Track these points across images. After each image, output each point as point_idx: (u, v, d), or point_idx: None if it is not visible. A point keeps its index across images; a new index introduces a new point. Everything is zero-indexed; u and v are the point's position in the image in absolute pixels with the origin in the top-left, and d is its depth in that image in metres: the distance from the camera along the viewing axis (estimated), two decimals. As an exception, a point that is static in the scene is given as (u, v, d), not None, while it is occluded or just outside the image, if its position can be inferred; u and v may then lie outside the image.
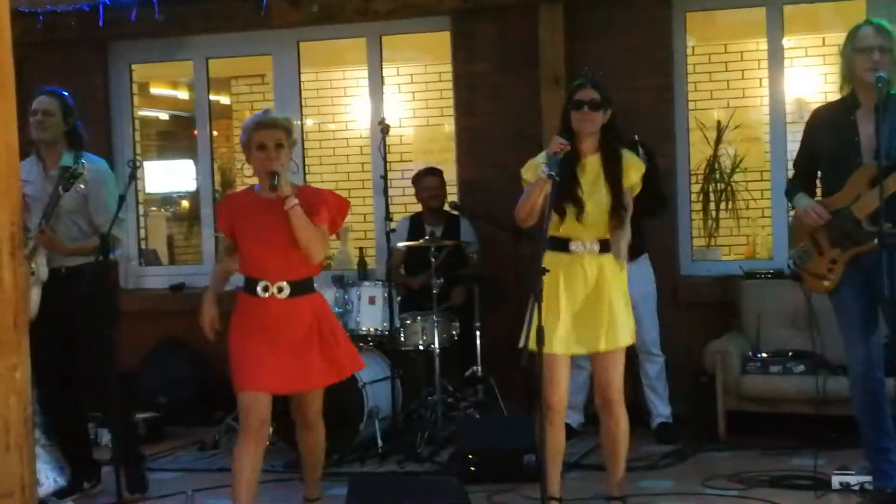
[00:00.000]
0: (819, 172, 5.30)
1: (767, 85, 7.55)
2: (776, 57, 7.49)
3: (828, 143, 5.16)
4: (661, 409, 6.87)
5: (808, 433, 6.34)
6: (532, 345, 4.48)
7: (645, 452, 6.37)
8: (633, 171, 4.97)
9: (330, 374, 5.06)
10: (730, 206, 9.12)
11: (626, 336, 4.95)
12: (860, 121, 5.06)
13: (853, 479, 5.47)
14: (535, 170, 4.85)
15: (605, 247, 4.94)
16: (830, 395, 6.18)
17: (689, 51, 7.93)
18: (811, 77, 9.13)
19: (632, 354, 6.73)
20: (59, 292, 5.69)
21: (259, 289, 4.90)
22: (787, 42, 7.93)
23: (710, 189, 9.00)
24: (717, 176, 9.05)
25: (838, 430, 6.10)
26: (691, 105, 8.14)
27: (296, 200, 4.84)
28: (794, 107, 8.33)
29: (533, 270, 4.48)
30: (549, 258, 4.64)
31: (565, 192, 4.80)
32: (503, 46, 7.64)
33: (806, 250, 5.25)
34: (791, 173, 5.65)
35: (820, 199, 5.25)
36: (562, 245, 4.89)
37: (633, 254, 6.58)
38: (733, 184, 9.11)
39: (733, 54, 9.38)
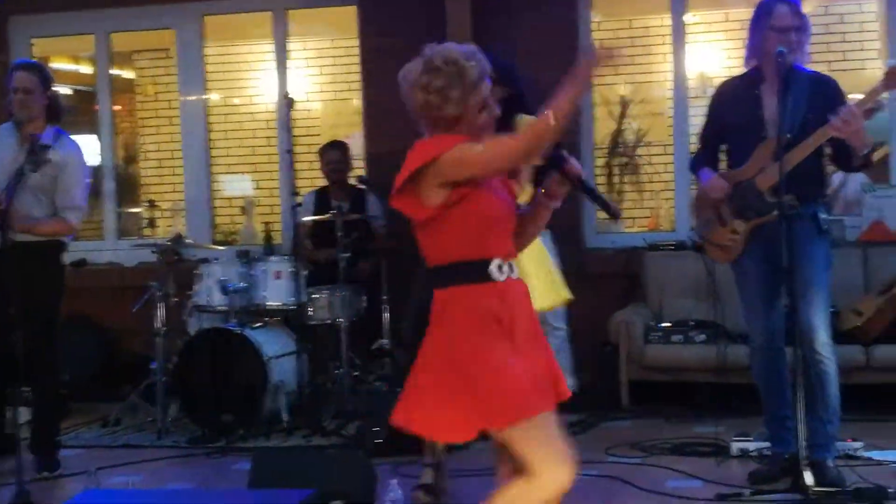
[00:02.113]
0: (724, 146, 5.38)
1: (671, 60, 7.64)
2: (679, 32, 7.59)
3: (733, 116, 5.22)
4: (566, 380, 6.91)
5: (709, 401, 6.45)
6: None
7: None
8: None
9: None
10: (633, 179, 9.21)
11: (565, 291, 5.06)
12: (764, 95, 5.13)
13: (752, 446, 5.60)
14: None
15: None
16: (731, 364, 6.29)
17: (594, 26, 7.97)
18: (714, 52, 9.23)
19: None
20: (8, 266, 5.57)
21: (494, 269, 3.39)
22: (690, 17, 8.03)
23: (614, 163, 9.08)
24: (621, 150, 9.13)
25: (739, 397, 6.22)
26: (596, 80, 8.19)
27: None
28: (698, 82, 8.43)
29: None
30: None
31: None
32: (411, 20, 7.61)
33: (709, 221, 5.33)
34: (695, 147, 5.71)
35: (725, 171, 5.33)
36: None
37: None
38: (637, 158, 9.20)
39: (638, 30, 9.43)
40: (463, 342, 3.29)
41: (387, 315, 7.15)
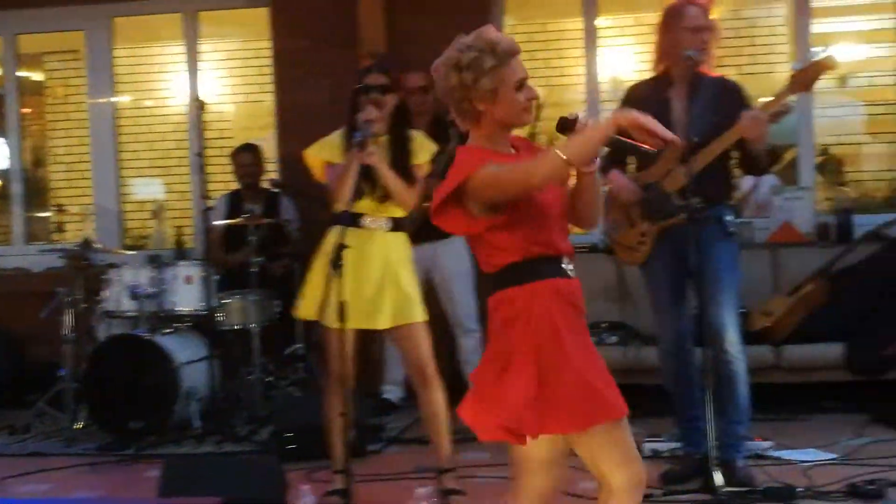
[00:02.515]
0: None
1: (584, 63, 7.69)
2: (591, 36, 7.65)
3: (641, 119, 5.26)
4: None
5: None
6: (327, 319, 4.63)
7: (463, 426, 6.41)
8: (422, 151, 5.06)
9: None
10: (548, 182, 9.25)
11: (419, 312, 5.00)
12: (673, 98, 5.18)
13: (663, 446, 5.65)
14: (333, 148, 4.96)
15: (396, 225, 5.03)
16: (642, 365, 6.34)
17: (509, 30, 7.99)
18: (626, 56, 9.30)
19: (448, 329, 6.84)
20: None
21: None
22: (602, 21, 8.09)
23: (528, 166, 9.13)
24: (535, 153, 9.18)
25: (650, 398, 6.25)
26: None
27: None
28: (611, 85, 8.50)
29: (335, 246, 4.53)
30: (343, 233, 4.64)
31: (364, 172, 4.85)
32: (324, 22, 7.59)
33: (618, 223, 5.36)
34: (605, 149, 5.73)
35: (634, 174, 5.36)
36: (356, 221, 4.93)
37: (444, 232, 6.67)
38: (551, 160, 9.25)
39: (552, 33, 9.48)
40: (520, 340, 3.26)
41: (299, 320, 7.07)
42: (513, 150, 3.39)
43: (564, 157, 3.13)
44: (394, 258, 5.00)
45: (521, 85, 3.30)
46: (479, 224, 3.28)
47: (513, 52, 3.30)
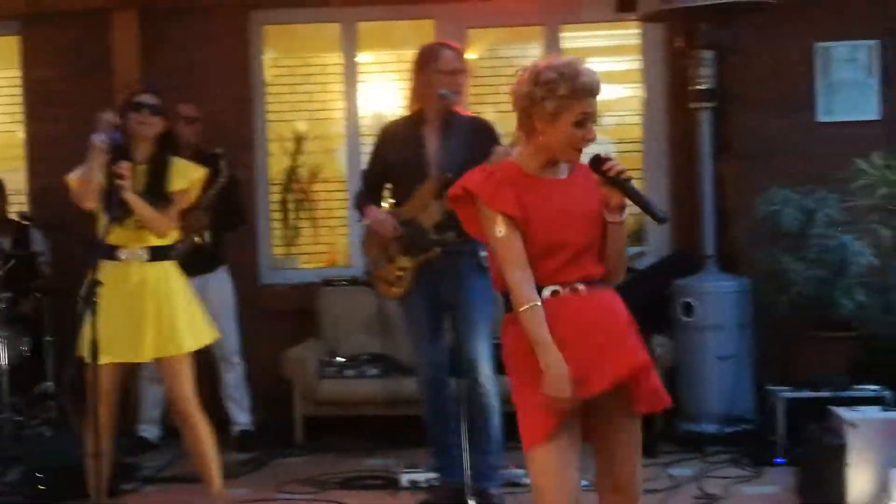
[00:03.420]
0: (388, 184, 5.48)
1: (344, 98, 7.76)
2: (351, 71, 7.71)
3: (397, 156, 5.34)
4: (241, 418, 6.88)
5: (382, 434, 6.54)
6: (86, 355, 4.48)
7: (223, 461, 6.35)
8: (180, 178, 4.99)
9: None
10: (309, 215, 9.25)
11: (182, 344, 4.92)
12: (427, 135, 5.28)
13: (421, 477, 5.72)
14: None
15: (158, 254, 4.94)
16: (402, 397, 6.40)
17: (271, 62, 7.98)
18: (388, 91, 9.42)
19: (211, 362, 6.76)
20: None
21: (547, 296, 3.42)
22: (364, 57, 8.17)
23: (290, 199, 9.10)
24: (296, 186, 9.16)
25: (411, 429, 6.32)
26: (274, 116, 8.22)
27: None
28: (374, 120, 8.57)
29: (88, 281, 4.40)
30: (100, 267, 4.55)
31: (117, 200, 4.75)
32: (76, 53, 7.41)
33: (377, 258, 5.42)
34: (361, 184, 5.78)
35: (390, 209, 5.43)
36: (111, 253, 4.86)
37: (212, 265, 6.63)
38: (311, 193, 9.25)
39: (314, 67, 9.51)
40: (512, 368, 3.47)
41: (52, 356, 6.86)
42: (562, 176, 3.47)
43: (521, 316, 3.32)
44: (155, 289, 4.90)
45: (582, 121, 3.35)
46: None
47: (590, 90, 3.35)
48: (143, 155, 4.97)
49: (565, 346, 3.31)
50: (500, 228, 3.36)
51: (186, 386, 4.93)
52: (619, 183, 3.35)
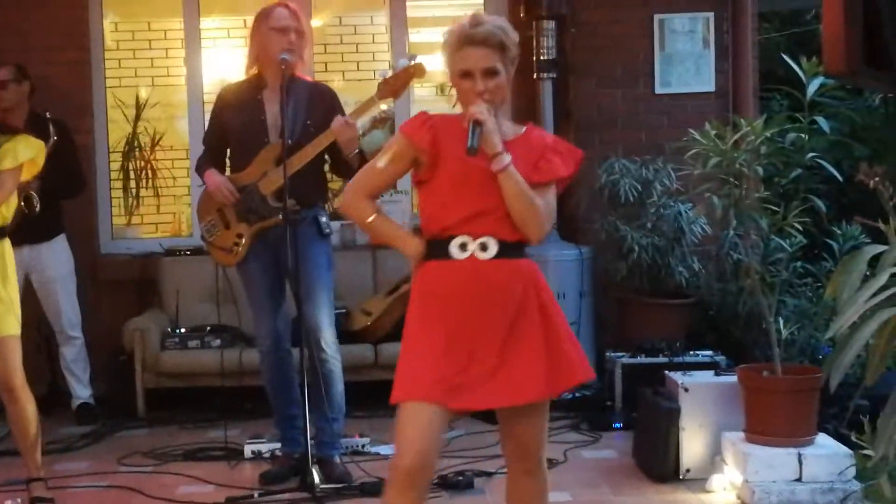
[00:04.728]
0: (228, 150, 5.41)
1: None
2: (193, 37, 7.58)
3: (236, 121, 5.26)
4: (80, 391, 6.73)
5: (226, 405, 6.48)
6: None
7: (63, 434, 6.26)
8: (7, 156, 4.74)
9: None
10: (151, 183, 9.09)
11: (7, 326, 4.72)
12: (266, 100, 5.21)
13: (265, 447, 5.69)
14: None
15: None
16: (246, 367, 6.33)
17: (112, 27, 7.78)
18: (234, 58, 9.30)
19: (49, 335, 6.61)
20: None
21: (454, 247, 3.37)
22: (209, 22, 8.04)
23: (131, 167, 8.93)
24: (137, 153, 9.00)
25: (254, 400, 6.29)
26: (115, 82, 8.05)
27: (509, 158, 3.33)
28: (217, 86, 8.45)
29: None
30: None
31: None
32: None
33: (213, 224, 5.35)
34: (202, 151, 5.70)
35: (229, 175, 5.35)
36: None
37: (50, 234, 6.46)
38: (154, 161, 9.09)
39: (157, 32, 9.34)
40: (406, 315, 3.41)
41: None
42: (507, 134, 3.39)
43: (368, 222, 3.47)
44: None
45: (467, 72, 3.33)
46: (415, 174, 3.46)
47: (469, 39, 3.31)
48: None
49: (450, 328, 3.30)
50: (385, 158, 3.42)
51: (11, 365, 4.71)
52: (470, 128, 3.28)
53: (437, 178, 3.37)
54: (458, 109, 3.39)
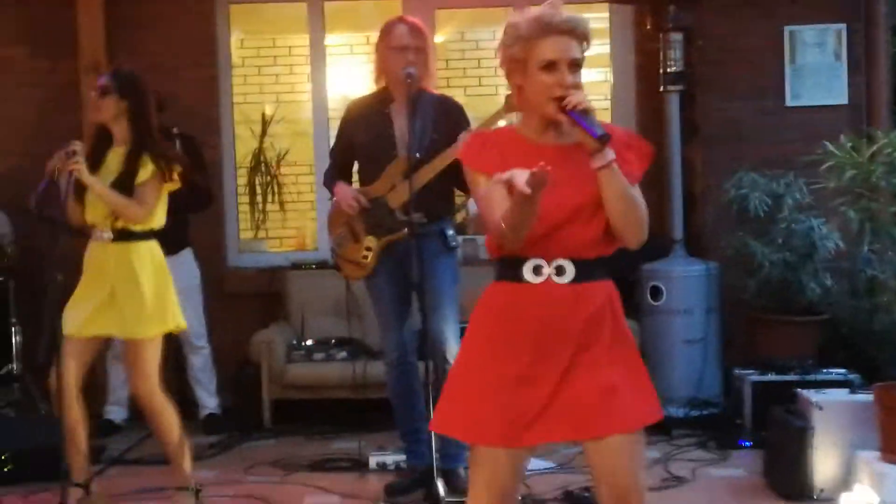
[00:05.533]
0: (356, 164, 5.45)
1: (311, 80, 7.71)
2: (318, 53, 7.66)
3: (363, 135, 5.29)
4: (208, 401, 6.84)
5: (350, 417, 6.52)
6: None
7: (191, 444, 6.32)
8: (146, 169, 4.90)
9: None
10: (277, 198, 9.22)
11: (145, 329, 4.86)
12: (394, 115, 5.22)
13: (389, 459, 5.71)
14: None
15: (120, 236, 4.90)
16: (370, 380, 6.36)
17: (237, 44, 7.90)
18: (357, 74, 9.39)
19: (177, 346, 6.72)
20: None
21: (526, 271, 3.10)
22: (331, 39, 8.12)
23: (257, 181, 9.06)
24: (263, 168, 9.13)
25: (378, 412, 6.31)
26: (240, 98, 8.17)
27: (613, 153, 3.02)
28: (341, 102, 8.53)
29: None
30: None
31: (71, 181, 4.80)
32: (38, 31, 7.30)
33: (343, 237, 5.39)
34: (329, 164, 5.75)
35: (358, 188, 5.38)
36: (90, 232, 4.93)
37: (177, 247, 6.57)
38: (280, 176, 9.22)
39: (281, 48, 9.48)
40: (468, 334, 3.18)
41: (17, 338, 6.80)
42: (565, 142, 3.07)
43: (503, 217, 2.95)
44: (121, 270, 4.86)
45: (550, 64, 3.01)
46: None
47: (554, 27, 3.02)
48: (120, 138, 4.93)
49: (520, 358, 3.04)
50: (494, 201, 2.97)
51: (147, 370, 4.87)
52: (573, 116, 2.98)
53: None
54: (515, 119, 3.19)
